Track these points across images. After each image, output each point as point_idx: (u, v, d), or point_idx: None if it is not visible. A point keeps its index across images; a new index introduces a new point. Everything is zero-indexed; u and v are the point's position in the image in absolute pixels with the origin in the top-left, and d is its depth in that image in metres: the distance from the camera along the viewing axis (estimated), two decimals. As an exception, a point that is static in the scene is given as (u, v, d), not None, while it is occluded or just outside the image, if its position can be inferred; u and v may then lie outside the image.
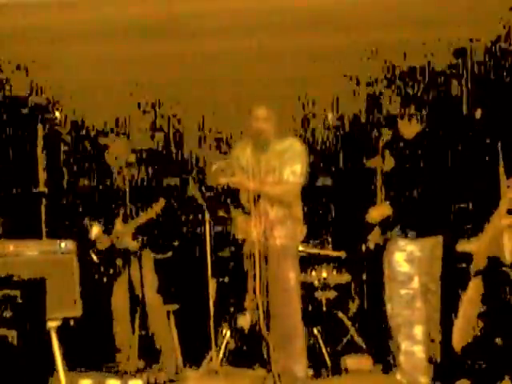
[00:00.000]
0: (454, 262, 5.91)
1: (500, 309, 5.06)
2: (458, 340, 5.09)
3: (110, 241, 6.48)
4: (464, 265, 5.69)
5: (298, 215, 6.11)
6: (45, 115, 7.45)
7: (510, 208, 5.14)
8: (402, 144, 5.81)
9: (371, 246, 5.84)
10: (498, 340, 5.02)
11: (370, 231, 5.82)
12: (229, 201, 6.21)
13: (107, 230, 6.54)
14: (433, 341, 5.75)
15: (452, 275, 5.86)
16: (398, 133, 5.84)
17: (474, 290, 5.09)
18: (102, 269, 6.56)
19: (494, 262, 5.07)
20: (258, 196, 5.90)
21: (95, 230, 6.57)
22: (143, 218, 6.43)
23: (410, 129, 5.78)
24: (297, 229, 6.10)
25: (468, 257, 5.46)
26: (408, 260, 5.63)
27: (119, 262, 6.54)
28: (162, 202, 6.45)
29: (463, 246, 5.77)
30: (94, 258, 6.54)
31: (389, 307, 5.73)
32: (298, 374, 5.98)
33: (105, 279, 6.59)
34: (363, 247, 6.09)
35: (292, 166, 5.96)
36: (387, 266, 5.73)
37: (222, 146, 7.81)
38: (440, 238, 5.75)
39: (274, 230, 5.97)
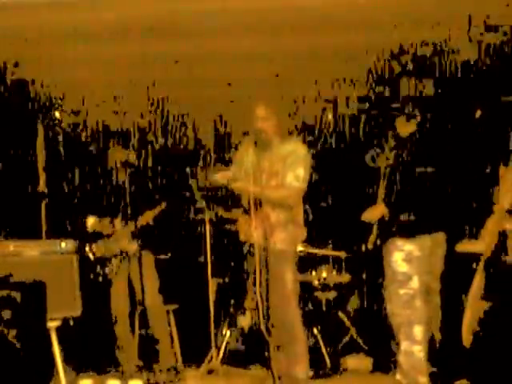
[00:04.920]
0: (454, 261, 5.91)
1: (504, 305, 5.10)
2: (467, 335, 5.12)
3: (111, 228, 6.48)
4: (465, 264, 5.70)
5: (299, 219, 6.09)
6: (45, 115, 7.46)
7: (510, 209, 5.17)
8: (399, 143, 5.82)
9: (369, 246, 5.84)
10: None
11: (369, 231, 5.82)
12: (230, 202, 6.21)
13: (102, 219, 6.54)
14: (435, 340, 5.75)
15: (454, 274, 5.86)
16: (396, 132, 5.85)
17: (478, 285, 5.13)
18: (101, 268, 6.57)
19: (498, 259, 5.11)
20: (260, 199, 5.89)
21: (91, 221, 6.56)
22: (142, 220, 6.43)
23: (406, 128, 5.79)
24: (297, 232, 6.08)
25: (469, 256, 5.46)
26: (406, 260, 5.62)
27: (118, 261, 6.55)
28: (162, 205, 6.46)
29: (467, 247, 5.77)
30: (91, 257, 6.55)
31: (388, 307, 5.73)
32: (299, 376, 5.97)
33: (105, 279, 6.59)
34: (363, 247, 6.09)
35: (295, 171, 5.93)
36: (386, 265, 5.73)
37: (222, 145, 7.81)
38: (442, 237, 5.75)
39: (275, 233, 5.94)
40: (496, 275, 5.15)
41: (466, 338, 5.14)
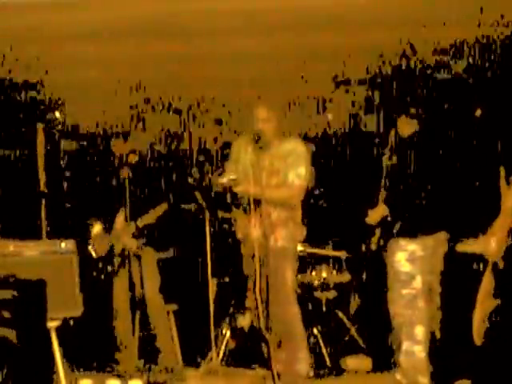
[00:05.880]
0: (455, 261, 5.91)
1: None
2: (478, 334, 5.12)
3: (108, 244, 6.49)
4: (466, 263, 5.70)
5: (298, 216, 6.11)
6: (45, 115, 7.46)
7: None
8: (400, 143, 5.82)
9: (373, 246, 5.84)
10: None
11: (370, 232, 5.82)
12: (230, 201, 6.21)
13: (108, 230, 6.54)
14: (436, 340, 5.75)
15: (454, 274, 5.86)
16: (397, 132, 5.85)
17: (488, 284, 5.13)
18: (102, 267, 6.56)
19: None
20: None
21: (96, 229, 6.57)
22: (144, 220, 6.43)
23: (407, 128, 5.79)
24: (297, 230, 6.11)
25: (470, 256, 5.47)
26: (409, 260, 5.62)
27: (118, 261, 6.54)
28: (164, 206, 6.46)
29: (467, 247, 5.77)
30: (93, 254, 6.55)
31: (391, 307, 5.73)
32: (300, 373, 5.99)
33: (105, 278, 6.59)
34: (363, 247, 6.09)
35: (297, 169, 5.95)
36: (389, 265, 5.73)
37: (222, 145, 7.81)
38: (444, 236, 5.74)
39: (276, 231, 5.97)
40: (504, 275, 5.15)
41: (477, 337, 5.13)
